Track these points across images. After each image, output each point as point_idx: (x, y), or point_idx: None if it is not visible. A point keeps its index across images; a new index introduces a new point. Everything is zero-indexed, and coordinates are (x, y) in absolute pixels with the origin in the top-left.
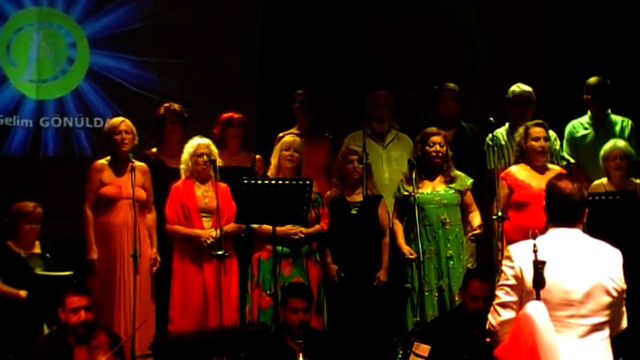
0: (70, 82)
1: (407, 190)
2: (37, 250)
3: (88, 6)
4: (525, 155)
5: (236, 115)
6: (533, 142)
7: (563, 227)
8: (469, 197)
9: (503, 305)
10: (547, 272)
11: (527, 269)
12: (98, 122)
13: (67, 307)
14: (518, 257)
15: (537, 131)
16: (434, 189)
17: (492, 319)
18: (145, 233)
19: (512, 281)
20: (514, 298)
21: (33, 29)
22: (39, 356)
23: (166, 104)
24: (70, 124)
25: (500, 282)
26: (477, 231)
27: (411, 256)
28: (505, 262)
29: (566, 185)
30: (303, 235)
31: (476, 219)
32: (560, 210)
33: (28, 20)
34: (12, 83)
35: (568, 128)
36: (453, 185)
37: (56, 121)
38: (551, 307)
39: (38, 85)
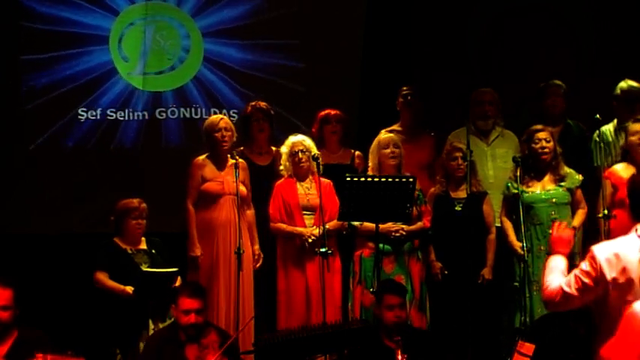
0: (186, 73)
1: (516, 189)
2: (143, 245)
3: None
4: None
5: (333, 112)
6: (632, 138)
7: None
8: (579, 195)
9: (582, 282)
10: None
11: (609, 271)
12: (215, 112)
13: (179, 308)
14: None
15: (637, 127)
16: (544, 187)
17: (567, 286)
18: (246, 229)
19: (593, 275)
20: (591, 285)
21: (144, 23)
22: (152, 351)
23: (252, 102)
24: (188, 115)
25: (584, 269)
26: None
27: (522, 252)
28: (589, 260)
29: None
30: (404, 233)
31: (577, 219)
32: None
33: (139, 15)
34: (123, 77)
35: None
36: (563, 183)
37: (173, 112)
38: None
39: (150, 77)
